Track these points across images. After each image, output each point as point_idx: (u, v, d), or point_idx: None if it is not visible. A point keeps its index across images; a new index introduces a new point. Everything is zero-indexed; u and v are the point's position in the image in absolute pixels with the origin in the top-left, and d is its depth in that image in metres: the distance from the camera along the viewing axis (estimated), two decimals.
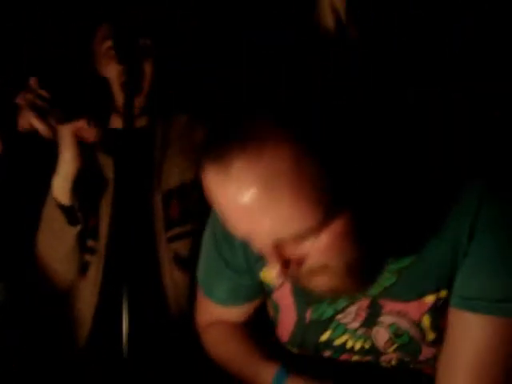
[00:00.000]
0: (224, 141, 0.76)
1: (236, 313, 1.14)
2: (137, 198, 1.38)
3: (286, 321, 1.06)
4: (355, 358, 1.04)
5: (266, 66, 1.32)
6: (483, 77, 1.20)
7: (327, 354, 1.05)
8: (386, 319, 0.98)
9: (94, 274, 1.38)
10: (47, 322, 1.38)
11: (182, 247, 1.39)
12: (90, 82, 1.40)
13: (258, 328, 1.15)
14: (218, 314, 1.15)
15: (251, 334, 1.14)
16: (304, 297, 1.02)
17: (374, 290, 0.96)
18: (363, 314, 0.99)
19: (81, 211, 1.33)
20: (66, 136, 1.26)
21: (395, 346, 0.99)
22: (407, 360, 1.01)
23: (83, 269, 1.38)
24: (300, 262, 0.82)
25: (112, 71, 1.36)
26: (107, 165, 1.41)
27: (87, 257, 1.38)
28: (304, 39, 1.26)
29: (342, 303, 1.00)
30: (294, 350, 1.08)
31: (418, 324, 0.96)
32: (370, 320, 0.99)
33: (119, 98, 1.37)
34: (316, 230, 0.78)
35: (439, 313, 0.94)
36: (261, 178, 0.74)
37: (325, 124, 0.77)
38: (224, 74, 1.50)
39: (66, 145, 1.27)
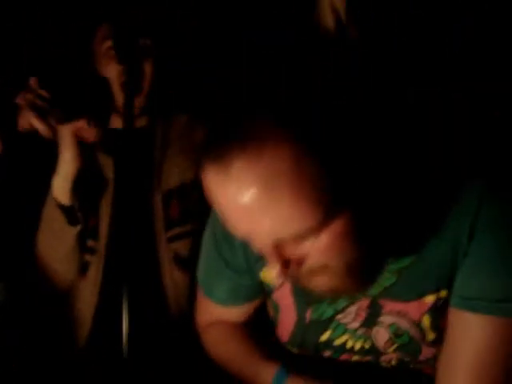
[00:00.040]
0: (224, 141, 0.76)
1: (236, 313, 1.14)
2: (137, 198, 1.38)
3: (286, 321, 1.06)
4: (355, 357, 1.04)
5: (266, 66, 1.32)
6: (483, 77, 1.20)
7: (327, 354, 1.05)
8: (385, 319, 0.98)
9: (94, 273, 1.38)
10: (47, 322, 1.37)
11: (182, 247, 1.39)
12: (90, 81, 1.40)
13: (258, 328, 1.15)
14: (217, 314, 1.15)
15: (251, 334, 1.14)
16: (304, 297, 1.02)
17: (374, 290, 0.96)
18: (363, 314, 0.99)
19: (81, 211, 1.33)
20: (66, 136, 1.26)
21: (395, 345, 0.99)
22: (407, 360, 1.01)
23: (83, 269, 1.38)
24: (300, 262, 0.82)
25: (112, 71, 1.36)
26: (107, 165, 1.41)
27: (87, 257, 1.38)
28: (304, 39, 1.26)
29: (341, 303, 1.00)
30: (294, 350, 1.08)
31: (418, 324, 0.96)
32: (370, 320, 0.99)
33: (119, 98, 1.37)
34: (316, 229, 0.78)
35: (439, 313, 0.94)
36: (261, 178, 0.74)
37: (325, 124, 0.77)
38: (224, 74, 1.50)
39: (65, 145, 1.27)
